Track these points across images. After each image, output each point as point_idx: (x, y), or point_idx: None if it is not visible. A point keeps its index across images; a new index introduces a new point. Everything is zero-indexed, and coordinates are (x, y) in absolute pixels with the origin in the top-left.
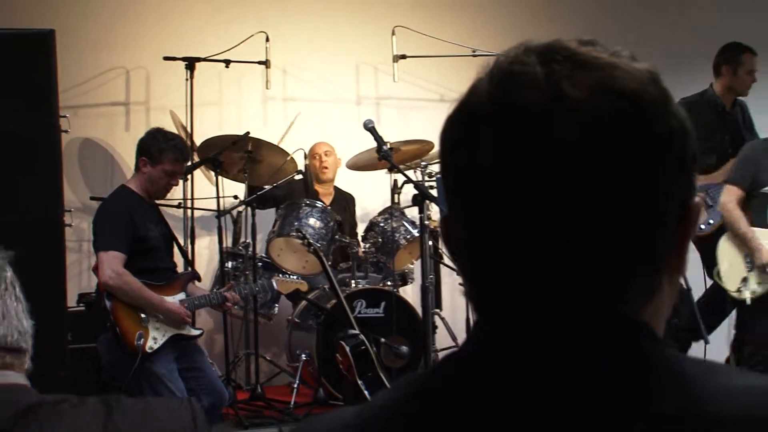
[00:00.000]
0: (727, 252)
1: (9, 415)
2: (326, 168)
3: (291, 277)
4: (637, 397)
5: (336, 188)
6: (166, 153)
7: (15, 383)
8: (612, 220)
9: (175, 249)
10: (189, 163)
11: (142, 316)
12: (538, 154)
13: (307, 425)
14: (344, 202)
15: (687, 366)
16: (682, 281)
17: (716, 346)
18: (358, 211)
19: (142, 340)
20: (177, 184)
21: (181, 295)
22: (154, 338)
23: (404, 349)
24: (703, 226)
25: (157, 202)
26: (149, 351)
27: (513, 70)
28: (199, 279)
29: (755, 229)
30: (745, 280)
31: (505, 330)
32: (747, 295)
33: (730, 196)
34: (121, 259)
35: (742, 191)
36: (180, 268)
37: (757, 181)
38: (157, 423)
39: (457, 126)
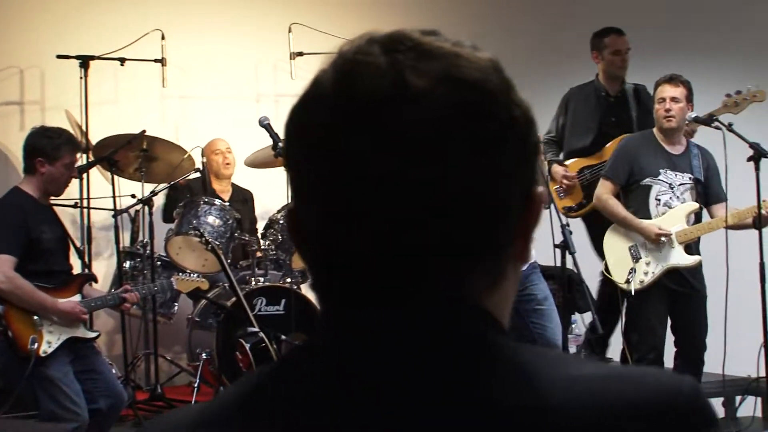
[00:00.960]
0: (612, 246)
1: None
2: (229, 164)
3: (191, 275)
4: (470, 384)
5: (234, 185)
6: (63, 148)
7: None
8: (454, 207)
9: (72, 251)
10: (84, 162)
11: (35, 319)
12: (381, 141)
13: (152, 424)
14: (242, 198)
15: (526, 355)
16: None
17: None
18: (258, 209)
19: (36, 344)
20: (77, 176)
21: (77, 298)
22: (49, 342)
23: None
24: (574, 206)
25: (53, 201)
26: (43, 355)
27: (357, 60)
28: (95, 280)
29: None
30: (632, 270)
31: (345, 318)
32: (633, 286)
33: (604, 189)
34: (12, 262)
35: (616, 186)
36: (78, 270)
37: (636, 174)
38: None
39: (301, 116)
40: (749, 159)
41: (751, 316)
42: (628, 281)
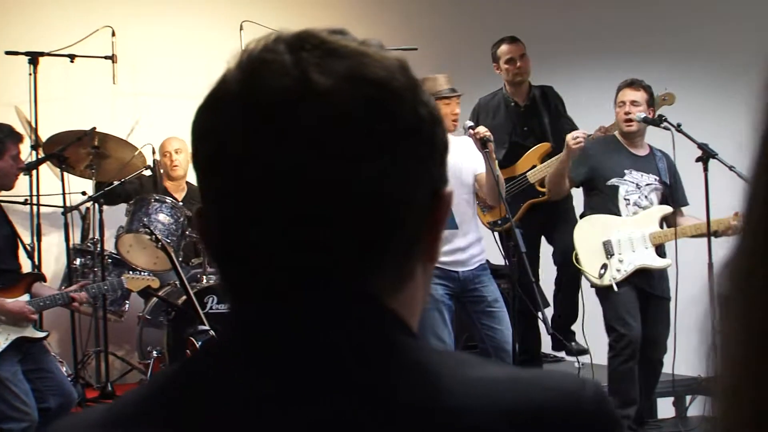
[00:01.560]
0: (584, 237)
1: None
2: (176, 166)
3: (142, 273)
4: (368, 381)
5: (188, 183)
6: (6, 141)
7: None
8: (357, 205)
9: (21, 250)
10: (34, 159)
11: None
12: (286, 139)
13: (54, 427)
14: (197, 197)
15: (429, 355)
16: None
17: None
18: None
19: None
20: (24, 166)
21: (25, 297)
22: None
23: None
24: (499, 221)
25: (1, 198)
26: None
27: (262, 58)
28: (44, 280)
29: (608, 216)
30: (605, 266)
31: (247, 313)
32: (609, 281)
33: None
34: None
35: (572, 182)
36: (27, 269)
37: (600, 175)
38: None
39: (207, 114)
40: (697, 160)
41: (700, 316)
42: (600, 276)
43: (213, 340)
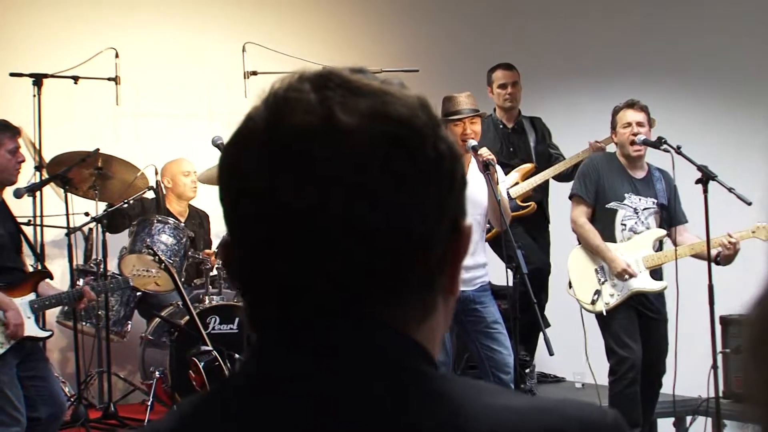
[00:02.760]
0: (577, 265)
1: None
2: (196, 187)
3: (148, 272)
4: (393, 411)
5: (190, 206)
6: (2, 135)
7: None
8: (380, 240)
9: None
10: (38, 180)
11: None
12: (309, 176)
13: None
14: (199, 219)
15: (453, 385)
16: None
17: None
18: (214, 227)
19: None
20: (24, 159)
21: (31, 296)
22: (1, 343)
23: None
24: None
25: None
26: None
27: (288, 96)
28: (50, 277)
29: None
30: (597, 292)
31: (273, 344)
32: (601, 307)
33: (578, 212)
34: None
35: (588, 206)
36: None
37: (601, 196)
38: None
39: (234, 151)
40: (697, 182)
41: (700, 337)
42: (593, 302)
43: (239, 373)
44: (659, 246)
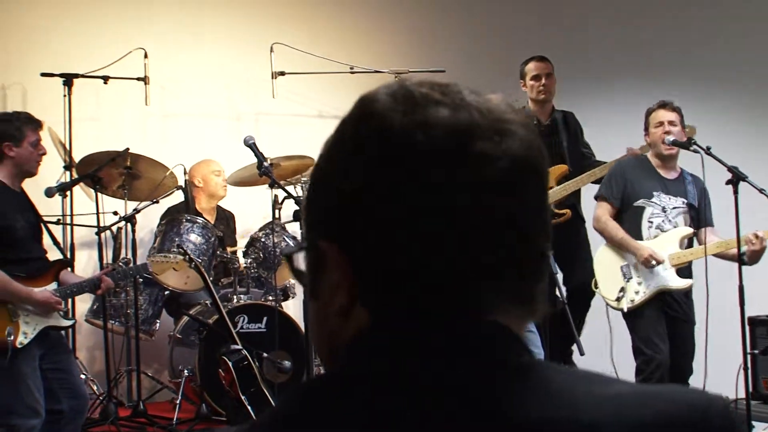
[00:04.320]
0: (603, 263)
1: None
2: (226, 186)
3: (167, 257)
4: (501, 402)
5: (218, 206)
6: (24, 127)
7: None
8: (523, 235)
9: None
10: (68, 179)
11: (10, 308)
12: (468, 178)
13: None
14: (225, 219)
15: (560, 375)
16: (559, 293)
17: None
18: (239, 227)
19: (12, 336)
20: (45, 152)
21: (53, 285)
22: (25, 333)
23: (287, 363)
24: None
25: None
26: (19, 346)
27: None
28: (71, 266)
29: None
30: (622, 290)
31: (403, 333)
32: (624, 305)
33: (602, 210)
34: None
35: (613, 206)
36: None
37: (629, 195)
38: None
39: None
40: (728, 182)
41: (728, 338)
42: (618, 299)
43: (351, 368)
44: (687, 244)
